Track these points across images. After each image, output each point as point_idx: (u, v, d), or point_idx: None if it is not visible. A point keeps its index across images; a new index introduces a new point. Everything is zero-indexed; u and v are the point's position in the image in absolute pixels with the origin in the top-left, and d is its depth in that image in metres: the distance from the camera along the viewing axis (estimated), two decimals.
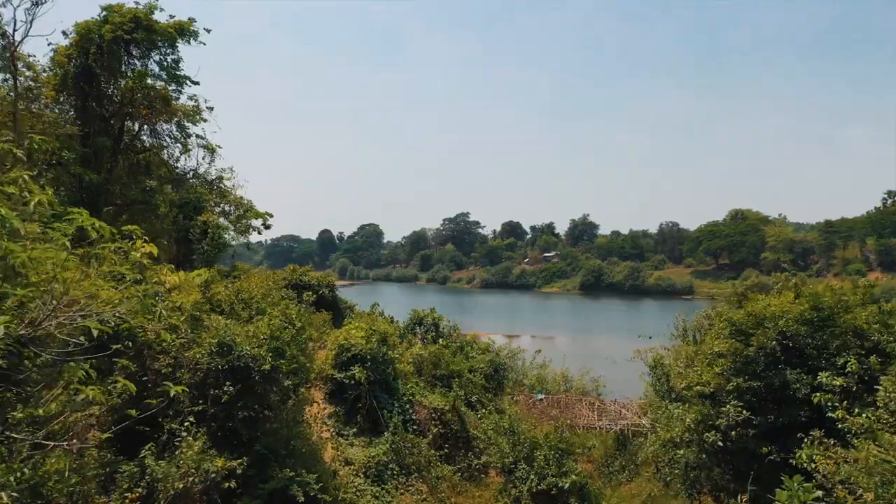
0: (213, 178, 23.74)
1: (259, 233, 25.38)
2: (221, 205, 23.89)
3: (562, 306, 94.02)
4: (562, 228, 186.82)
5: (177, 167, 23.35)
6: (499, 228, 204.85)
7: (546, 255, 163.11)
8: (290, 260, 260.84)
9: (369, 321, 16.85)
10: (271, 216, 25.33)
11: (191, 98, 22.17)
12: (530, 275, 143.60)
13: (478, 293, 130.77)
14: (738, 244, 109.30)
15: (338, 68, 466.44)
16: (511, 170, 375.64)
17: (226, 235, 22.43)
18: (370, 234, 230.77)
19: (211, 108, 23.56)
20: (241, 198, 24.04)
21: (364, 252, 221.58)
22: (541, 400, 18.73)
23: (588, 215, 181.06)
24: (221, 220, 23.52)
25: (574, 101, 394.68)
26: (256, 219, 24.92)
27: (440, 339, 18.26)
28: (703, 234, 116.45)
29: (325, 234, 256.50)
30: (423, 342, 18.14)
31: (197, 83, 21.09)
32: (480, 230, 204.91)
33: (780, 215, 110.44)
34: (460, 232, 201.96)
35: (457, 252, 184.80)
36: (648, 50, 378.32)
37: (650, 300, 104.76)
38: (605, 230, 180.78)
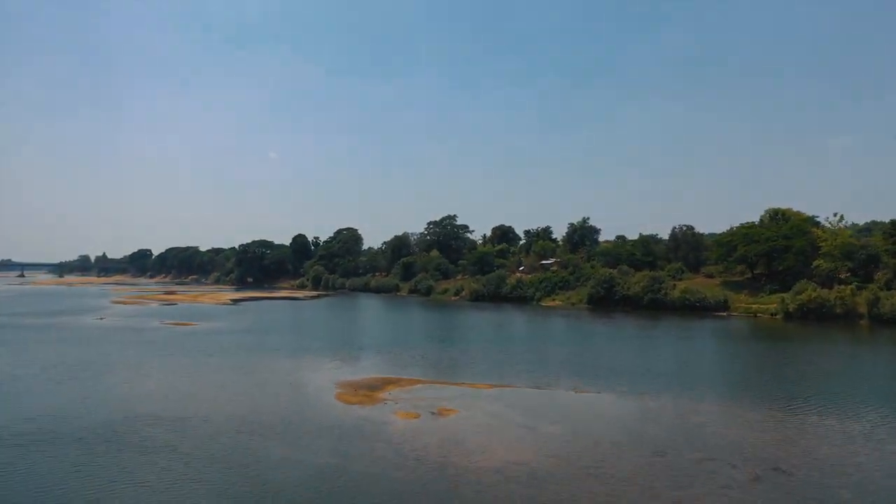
0: None
1: None
2: None
3: (577, 328, 74.20)
4: (558, 233, 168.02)
5: None
6: (489, 233, 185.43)
7: (544, 262, 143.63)
8: (261, 268, 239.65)
9: None
10: None
11: None
12: (527, 285, 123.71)
13: (467, 307, 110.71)
14: (783, 250, 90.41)
15: (322, 66, 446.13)
16: (499, 173, 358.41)
17: None
18: (347, 240, 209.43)
19: None
20: None
21: (340, 259, 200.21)
22: None
23: (588, 218, 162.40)
24: None
25: (566, 103, 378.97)
26: None
27: None
28: (737, 237, 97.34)
29: (300, 239, 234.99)
30: None
31: None
32: (469, 234, 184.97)
33: (835, 215, 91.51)
34: (446, 237, 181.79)
35: (442, 259, 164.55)
36: (641, 58, 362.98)
37: (675, 317, 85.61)
38: (602, 236, 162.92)
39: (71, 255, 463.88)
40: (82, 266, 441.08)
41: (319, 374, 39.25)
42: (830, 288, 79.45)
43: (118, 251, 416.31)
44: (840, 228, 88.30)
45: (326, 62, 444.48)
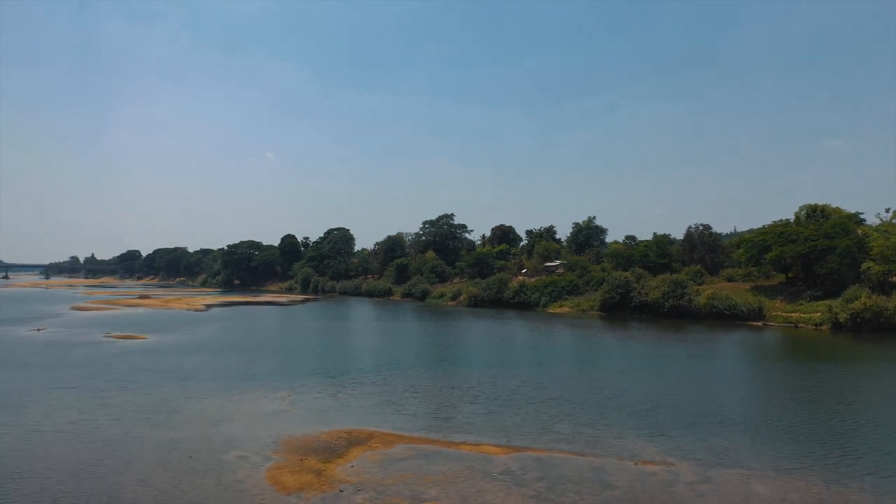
0: None
1: None
2: None
3: (595, 342, 62.96)
4: (562, 233, 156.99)
5: None
6: (488, 233, 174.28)
7: (548, 264, 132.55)
8: (249, 269, 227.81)
9: None
10: None
11: None
12: (531, 290, 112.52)
13: (465, 313, 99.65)
14: (825, 251, 79.47)
15: (320, 67, 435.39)
16: (498, 171, 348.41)
17: None
18: (338, 240, 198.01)
19: None
20: None
21: (331, 260, 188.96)
22: None
23: (594, 217, 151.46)
24: None
25: (565, 103, 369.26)
26: None
27: None
28: (771, 237, 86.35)
29: (289, 240, 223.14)
30: None
31: None
32: (467, 235, 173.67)
33: (887, 210, 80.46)
34: (443, 237, 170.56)
35: (439, 261, 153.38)
36: (631, 55, 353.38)
37: (702, 327, 74.89)
38: (608, 236, 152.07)
39: (63, 257, 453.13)
40: (71, 268, 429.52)
41: (260, 422, 27.95)
42: (888, 295, 68.55)
43: (113, 252, 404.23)
44: (893, 225, 77.29)
45: (324, 62, 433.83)
